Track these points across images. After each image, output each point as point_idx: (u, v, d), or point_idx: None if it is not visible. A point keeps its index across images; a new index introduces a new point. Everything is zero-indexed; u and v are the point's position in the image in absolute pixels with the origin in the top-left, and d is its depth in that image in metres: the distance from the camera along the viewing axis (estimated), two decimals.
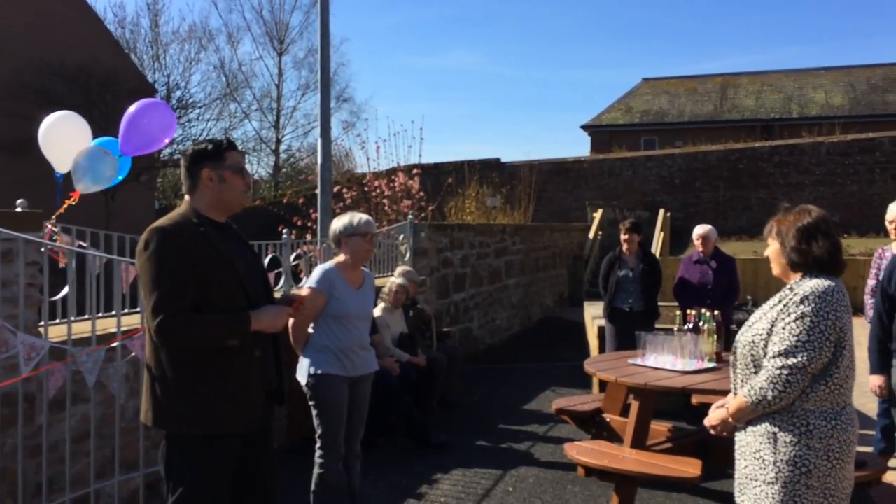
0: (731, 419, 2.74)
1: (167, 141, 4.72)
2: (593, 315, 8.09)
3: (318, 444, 4.01)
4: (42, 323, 3.99)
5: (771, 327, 2.64)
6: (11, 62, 17.37)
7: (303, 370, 4.03)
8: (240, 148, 3.07)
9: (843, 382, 2.61)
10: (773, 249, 2.80)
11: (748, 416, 2.68)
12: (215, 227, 2.90)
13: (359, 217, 4.10)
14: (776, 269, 2.82)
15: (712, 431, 2.86)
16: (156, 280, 2.71)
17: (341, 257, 4.10)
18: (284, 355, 3.09)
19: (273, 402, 3.06)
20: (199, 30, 37.77)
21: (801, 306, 2.58)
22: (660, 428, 5.13)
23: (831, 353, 2.57)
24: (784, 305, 2.64)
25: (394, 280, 6.85)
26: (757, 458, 2.65)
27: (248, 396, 2.85)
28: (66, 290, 4.18)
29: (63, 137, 4.48)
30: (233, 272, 2.83)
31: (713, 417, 2.83)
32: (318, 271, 4.08)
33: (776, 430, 2.60)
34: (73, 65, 17.66)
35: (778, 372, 2.55)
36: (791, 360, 2.54)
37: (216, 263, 2.80)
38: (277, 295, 4.15)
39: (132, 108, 4.57)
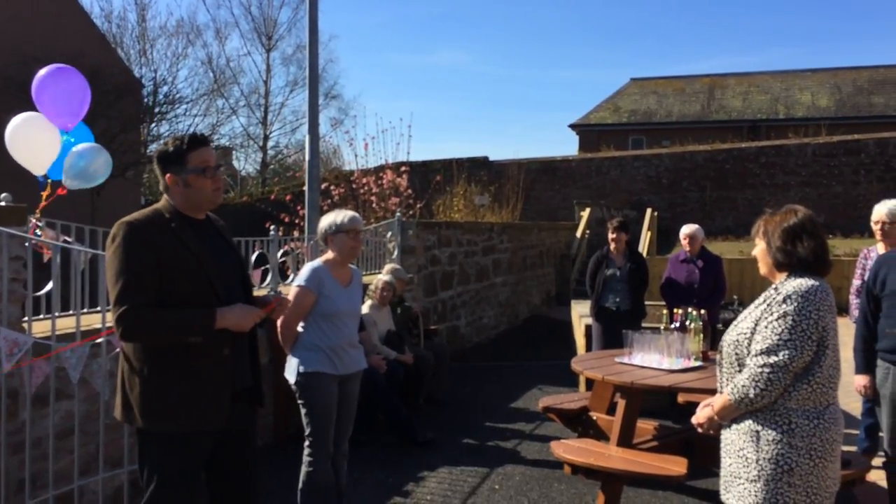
0: (716, 417, 2.77)
1: (87, 98, 4.63)
2: (580, 314, 8.11)
3: (306, 443, 3.98)
4: (26, 318, 3.95)
5: (755, 326, 2.67)
6: None
7: (292, 369, 4.00)
8: (227, 144, 3.04)
9: (826, 382, 2.63)
10: (759, 249, 2.83)
11: (732, 413, 2.71)
12: (190, 223, 2.87)
13: (343, 214, 4.08)
14: (763, 269, 2.85)
15: (699, 430, 2.88)
16: (119, 272, 2.69)
17: (329, 255, 4.08)
18: (271, 352, 3.07)
19: (249, 400, 3.02)
20: (186, 25, 37.34)
21: (784, 305, 2.61)
22: (646, 426, 5.15)
23: (813, 352, 2.60)
24: (768, 305, 2.67)
25: (380, 277, 6.84)
26: (741, 455, 2.67)
27: (214, 395, 2.81)
28: (50, 286, 4.14)
29: (29, 141, 4.43)
30: (200, 269, 2.79)
31: (700, 416, 2.86)
32: (306, 269, 4.06)
33: (759, 428, 2.63)
34: (59, 58, 17.38)
35: (759, 370, 2.58)
36: (772, 359, 2.57)
37: (184, 260, 2.77)
38: (263, 293, 4.14)
39: (34, 91, 4.51)
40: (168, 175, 2.84)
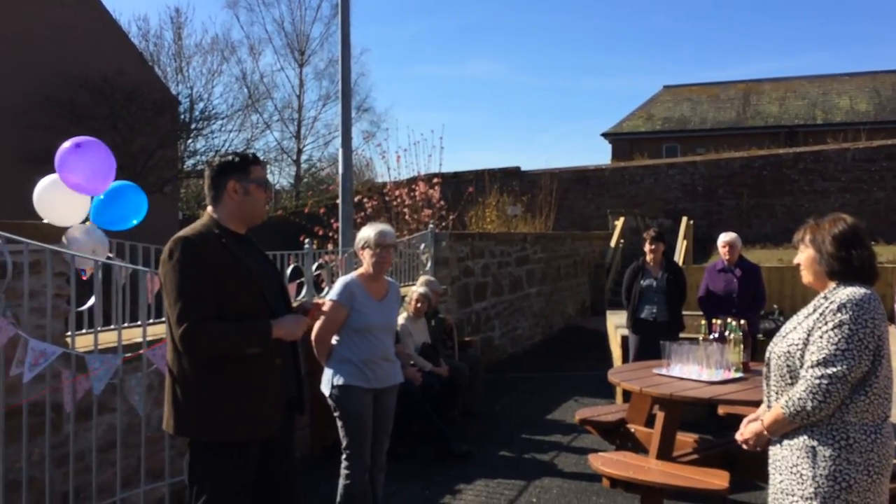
0: (766, 432, 2.68)
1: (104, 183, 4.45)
2: (616, 324, 8.03)
3: (344, 455, 4.00)
4: (69, 333, 4.02)
5: (807, 337, 2.58)
6: (36, 75, 17.63)
7: (327, 381, 4.04)
8: (262, 159, 3.12)
9: (882, 392, 2.55)
10: (806, 257, 2.74)
11: (785, 428, 2.62)
12: (236, 238, 2.94)
13: (374, 230, 4.08)
14: (808, 277, 2.75)
15: (745, 446, 2.79)
16: (180, 289, 2.74)
17: (362, 268, 4.12)
18: (308, 365, 3.10)
19: (293, 411, 3.08)
20: (221, 42, 38.06)
21: (839, 314, 2.52)
22: (685, 439, 5.06)
23: (870, 362, 2.52)
24: (820, 314, 2.58)
25: (415, 289, 6.85)
26: (794, 472, 2.58)
27: (267, 405, 2.87)
28: (92, 301, 4.21)
29: (57, 204, 4.35)
30: (253, 282, 2.87)
31: (747, 431, 2.77)
32: (339, 283, 4.10)
33: (815, 443, 2.54)
34: (98, 77, 17.89)
35: (817, 382, 2.49)
36: (830, 370, 2.49)
37: (238, 273, 2.83)
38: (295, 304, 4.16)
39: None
40: (231, 181, 2.92)
